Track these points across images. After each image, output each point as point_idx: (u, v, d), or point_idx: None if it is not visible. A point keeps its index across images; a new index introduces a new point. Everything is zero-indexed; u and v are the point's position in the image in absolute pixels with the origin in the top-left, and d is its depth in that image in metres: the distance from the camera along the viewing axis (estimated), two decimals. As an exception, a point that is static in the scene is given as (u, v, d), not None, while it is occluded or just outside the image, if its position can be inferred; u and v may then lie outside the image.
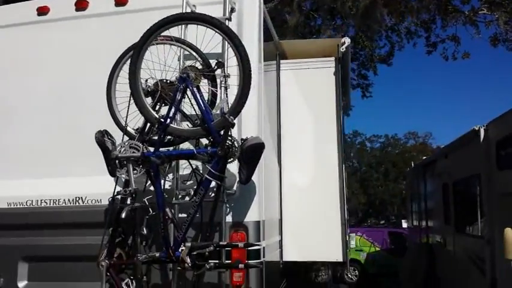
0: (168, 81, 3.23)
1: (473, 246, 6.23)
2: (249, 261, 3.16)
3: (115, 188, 3.19)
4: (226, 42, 3.17)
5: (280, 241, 4.43)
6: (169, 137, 3.23)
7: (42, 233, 3.62)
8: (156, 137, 3.19)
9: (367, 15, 8.99)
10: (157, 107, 3.23)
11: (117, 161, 3.15)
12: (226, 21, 3.35)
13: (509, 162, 5.17)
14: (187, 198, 3.23)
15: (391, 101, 78.18)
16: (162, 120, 3.08)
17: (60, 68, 3.86)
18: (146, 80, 3.21)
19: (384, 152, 48.12)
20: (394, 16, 10.94)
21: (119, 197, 3.17)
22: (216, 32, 3.07)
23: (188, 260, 2.97)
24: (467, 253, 6.54)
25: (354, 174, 44.90)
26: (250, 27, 3.61)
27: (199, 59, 3.33)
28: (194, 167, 3.27)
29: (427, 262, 8.71)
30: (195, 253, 3.01)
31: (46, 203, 3.66)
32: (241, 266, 3.11)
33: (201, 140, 3.28)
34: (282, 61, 4.85)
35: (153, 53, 3.18)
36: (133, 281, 3.12)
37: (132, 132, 3.33)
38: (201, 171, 3.27)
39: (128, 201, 3.15)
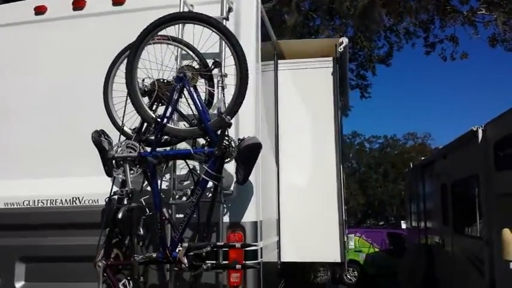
0: (165, 81, 3.22)
1: (472, 247, 6.23)
2: (247, 262, 3.15)
3: (112, 188, 3.18)
4: (223, 42, 3.16)
5: (278, 242, 4.42)
6: (166, 137, 3.22)
7: (40, 233, 3.60)
8: (153, 137, 3.17)
9: (365, 15, 8.99)
10: (154, 107, 3.22)
11: (113, 161, 3.14)
12: (224, 20, 3.34)
13: (507, 163, 5.17)
14: (184, 199, 3.21)
15: (390, 101, 78.31)
16: (159, 120, 3.07)
17: (58, 68, 3.84)
18: (143, 80, 3.20)
19: (383, 152, 48.13)
20: (393, 16, 10.95)
21: (116, 197, 3.16)
22: (213, 31, 3.06)
23: (185, 261, 2.96)
24: (466, 254, 6.53)
25: (353, 175, 44.92)
26: (247, 26, 3.60)
27: (196, 58, 3.32)
28: (191, 167, 3.25)
29: (426, 263, 8.71)
30: (192, 253, 2.99)
31: (43, 203, 3.65)
32: (238, 266, 3.10)
33: (198, 140, 3.27)
34: (279, 61, 4.85)
35: (150, 53, 3.17)
36: (131, 282, 3.11)
37: (129, 132, 3.31)
38: (198, 172, 3.25)
39: (125, 202, 3.13)
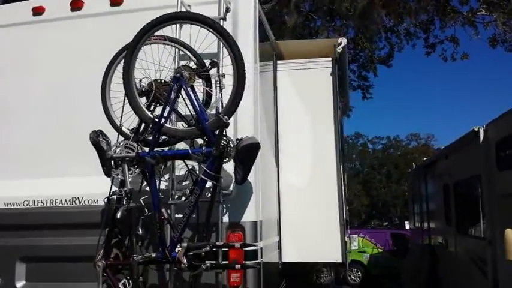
0: (163, 81, 3.23)
1: (475, 248, 6.20)
2: (246, 262, 3.15)
3: (110, 188, 3.19)
4: (220, 42, 3.16)
5: (279, 242, 4.42)
6: (164, 137, 3.23)
7: (40, 233, 3.62)
8: (151, 137, 3.18)
9: (364, 15, 8.98)
10: (152, 107, 3.22)
11: (112, 161, 3.15)
12: (221, 21, 3.34)
13: (509, 163, 5.15)
14: (183, 199, 3.21)
15: (392, 102, 78.23)
16: (157, 120, 3.07)
17: (56, 68, 3.86)
18: (140, 80, 3.21)
19: (386, 153, 48.02)
20: (393, 17, 10.92)
21: (115, 197, 3.16)
22: (209, 31, 3.06)
23: (184, 261, 2.96)
24: (469, 254, 6.51)
25: (356, 176, 44.85)
26: (245, 27, 3.60)
27: (193, 58, 3.32)
28: (190, 167, 3.25)
29: (429, 263, 8.68)
30: (191, 253, 2.99)
31: (43, 203, 3.66)
32: (237, 266, 3.10)
33: (197, 140, 3.27)
34: (278, 61, 4.85)
35: (147, 53, 3.17)
36: (130, 282, 3.11)
37: (127, 132, 3.32)
38: (197, 172, 3.26)
39: (124, 202, 3.14)
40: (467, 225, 6.85)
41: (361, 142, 49.86)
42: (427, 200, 9.66)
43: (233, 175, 3.26)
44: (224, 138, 3.05)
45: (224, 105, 3.06)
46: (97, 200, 3.49)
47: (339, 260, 4.54)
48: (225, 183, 3.27)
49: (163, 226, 3.10)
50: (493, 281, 5.43)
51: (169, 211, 3.23)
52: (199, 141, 3.24)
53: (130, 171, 3.13)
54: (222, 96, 3.12)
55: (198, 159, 3.06)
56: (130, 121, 3.29)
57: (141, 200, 3.15)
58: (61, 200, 3.64)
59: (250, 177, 3.25)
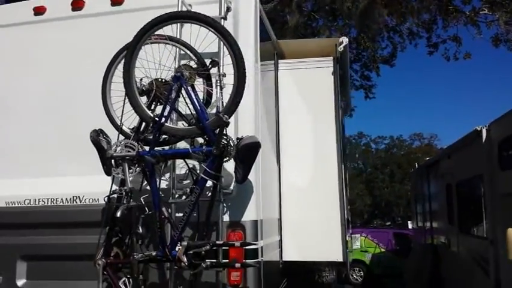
0: (163, 80, 3.23)
1: (477, 247, 6.19)
2: (246, 261, 3.16)
3: (111, 187, 3.20)
4: (221, 41, 3.16)
5: (280, 241, 4.41)
6: (164, 136, 3.23)
7: (40, 232, 3.63)
8: (151, 136, 3.19)
9: (366, 15, 8.96)
10: (152, 106, 3.23)
11: (112, 160, 3.16)
12: (222, 20, 3.33)
13: (512, 163, 5.14)
14: (183, 198, 3.22)
15: (395, 102, 77.97)
16: (157, 119, 3.08)
17: (57, 68, 3.87)
18: (141, 79, 3.22)
19: (389, 153, 47.93)
20: (395, 17, 10.89)
21: (115, 196, 3.17)
22: (210, 30, 3.07)
23: (184, 259, 2.97)
24: (472, 254, 6.49)
25: (359, 175, 44.77)
26: (246, 26, 3.60)
27: (194, 57, 3.33)
28: (191, 166, 3.26)
29: (432, 263, 8.66)
30: (191, 252, 3.00)
31: (44, 202, 3.67)
32: (237, 265, 3.11)
33: (197, 139, 3.28)
34: (280, 61, 4.84)
35: (147, 52, 3.18)
36: (130, 280, 3.12)
37: (128, 131, 3.33)
38: (197, 171, 3.26)
39: (124, 201, 3.15)
40: (470, 224, 6.84)
41: (364, 142, 49.82)
42: (429, 200, 9.64)
43: (234, 174, 3.26)
44: (224, 137, 3.06)
45: (224, 104, 3.06)
46: (97, 199, 3.50)
47: (340, 259, 4.53)
48: (226, 182, 3.27)
49: (163, 225, 3.10)
50: (495, 280, 5.42)
51: (169, 210, 3.24)
52: (200, 140, 3.25)
53: (130, 170, 3.15)
54: (222, 96, 3.13)
55: (199, 158, 3.07)
56: (130, 120, 3.30)
57: (141, 198, 3.16)
58: (62, 199, 3.65)
59: (251, 177, 3.25)
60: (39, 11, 4.00)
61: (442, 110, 77.06)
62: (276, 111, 4.65)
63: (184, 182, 3.30)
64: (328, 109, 4.76)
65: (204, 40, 3.18)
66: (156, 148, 3.13)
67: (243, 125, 3.41)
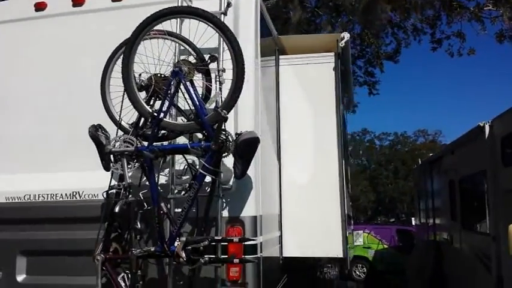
0: (162, 76, 3.22)
1: (480, 244, 6.17)
2: (245, 256, 3.15)
3: (110, 182, 3.20)
4: (220, 36, 3.15)
5: (280, 237, 4.41)
6: (163, 131, 3.23)
7: (40, 227, 3.65)
8: (150, 132, 3.18)
9: (369, 11, 8.91)
10: (151, 101, 3.22)
11: (111, 156, 3.16)
12: (222, 15, 3.32)
13: (515, 159, 5.11)
14: (182, 193, 3.22)
15: (399, 97, 77.84)
16: (156, 114, 3.07)
17: (57, 63, 3.87)
18: (140, 75, 3.21)
19: (393, 149, 47.86)
20: (399, 12, 10.83)
21: (114, 191, 3.17)
22: (209, 25, 3.05)
23: (183, 255, 2.96)
24: (474, 250, 6.48)
25: (363, 172, 44.72)
26: (246, 22, 3.58)
27: (193, 53, 3.31)
28: (190, 161, 3.26)
29: (434, 259, 8.65)
30: (190, 247, 2.99)
31: (44, 197, 3.68)
32: (236, 260, 3.10)
33: (196, 134, 3.27)
34: (281, 56, 4.82)
35: (146, 47, 3.17)
36: (129, 275, 3.12)
37: (127, 126, 3.32)
38: (196, 166, 3.25)
39: (123, 196, 3.14)
40: (473, 221, 6.82)
41: (368, 138, 49.78)
42: (432, 196, 9.62)
43: (232, 169, 3.26)
44: (223, 132, 3.05)
45: (223, 99, 3.05)
46: (97, 194, 3.49)
47: (340, 255, 4.52)
48: (225, 178, 3.26)
49: (162, 220, 3.10)
50: (497, 277, 5.40)
51: (168, 205, 3.24)
52: (199, 135, 3.23)
53: (129, 166, 3.14)
54: (221, 91, 3.11)
55: (197, 153, 3.06)
56: (129, 115, 3.29)
57: (140, 194, 3.16)
58: (61, 194, 3.66)
59: (250, 172, 3.25)
60: (40, 6, 4.00)
61: (447, 106, 76.94)
62: (277, 107, 4.63)
63: (183, 178, 3.30)
64: (329, 105, 4.73)
65: (203, 35, 3.17)
66: (154, 143, 3.12)
67: (242, 120, 3.40)
